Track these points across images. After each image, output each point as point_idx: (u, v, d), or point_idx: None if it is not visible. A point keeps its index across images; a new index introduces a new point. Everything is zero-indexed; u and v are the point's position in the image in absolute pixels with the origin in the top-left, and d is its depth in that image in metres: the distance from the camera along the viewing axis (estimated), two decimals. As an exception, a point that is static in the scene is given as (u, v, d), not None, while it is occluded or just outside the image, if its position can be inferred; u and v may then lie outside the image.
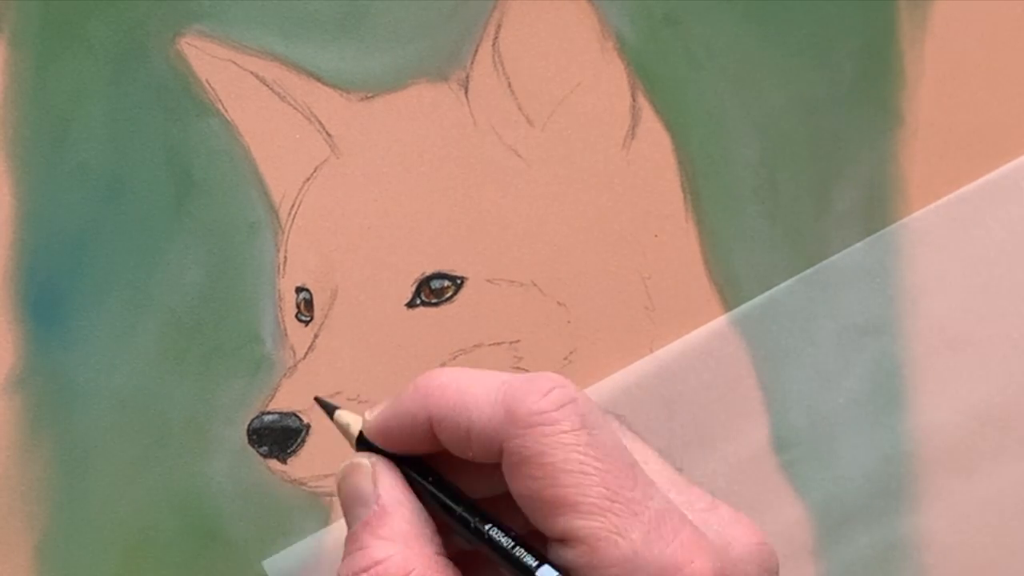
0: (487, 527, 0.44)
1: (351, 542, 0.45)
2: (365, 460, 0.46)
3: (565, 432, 0.42)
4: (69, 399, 0.54)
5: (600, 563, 0.41)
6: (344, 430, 0.48)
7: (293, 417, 0.55)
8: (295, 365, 0.55)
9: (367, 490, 0.46)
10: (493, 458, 0.44)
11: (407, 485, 0.46)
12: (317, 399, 0.49)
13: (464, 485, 0.45)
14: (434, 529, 0.45)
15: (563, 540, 0.42)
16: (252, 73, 0.55)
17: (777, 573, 0.45)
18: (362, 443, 0.47)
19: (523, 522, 0.44)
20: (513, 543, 0.43)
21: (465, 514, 0.45)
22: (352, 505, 0.46)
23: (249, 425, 0.55)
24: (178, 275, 0.54)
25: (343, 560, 0.45)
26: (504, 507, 0.45)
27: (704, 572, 0.41)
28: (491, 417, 0.43)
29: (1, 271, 0.53)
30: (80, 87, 0.54)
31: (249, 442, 0.55)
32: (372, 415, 0.47)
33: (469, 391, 0.44)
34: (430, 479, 0.46)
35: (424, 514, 0.45)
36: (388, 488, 0.46)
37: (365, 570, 0.44)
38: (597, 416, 0.43)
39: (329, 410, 0.49)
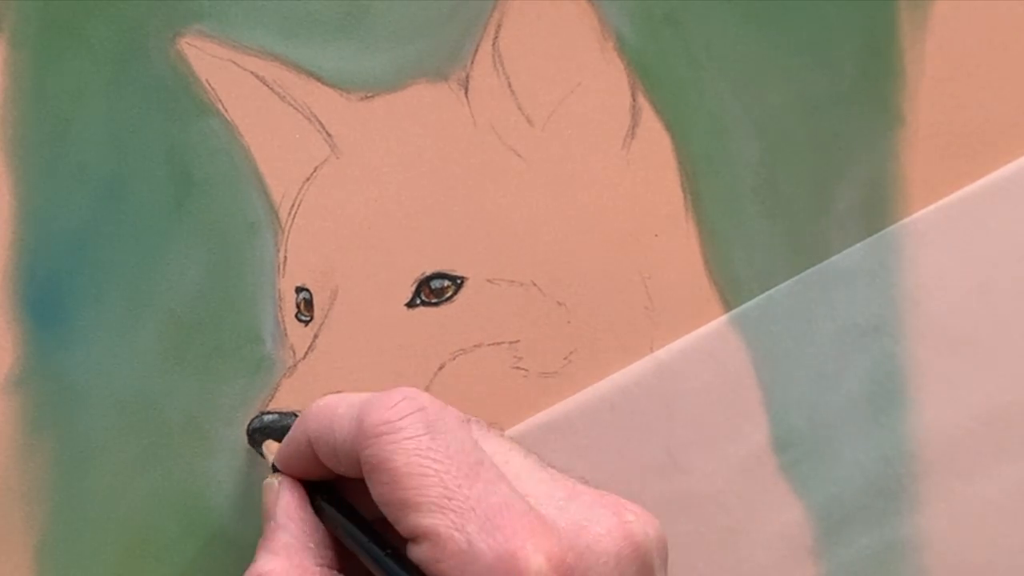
0: (367, 541, 0.48)
1: (258, 549, 0.50)
2: (274, 480, 0.51)
3: (408, 439, 0.46)
4: (69, 399, 0.54)
5: (441, 556, 0.44)
6: (266, 459, 0.53)
7: (293, 417, 0.55)
8: (295, 365, 0.55)
9: (271, 507, 0.51)
10: (355, 471, 0.48)
11: (305, 504, 0.51)
12: (248, 429, 0.55)
13: (365, 505, 0.49)
14: (324, 543, 0.50)
15: (413, 538, 0.45)
16: (252, 73, 0.55)
17: (647, 549, 0.47)
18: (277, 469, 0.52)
19: None
20: (386, 553, 0.47)
21: (355, 531, 0.49)
22: (263, 520, 0.51)
23: (249, 425, 0.55)
24: (178, 275, 0.54)
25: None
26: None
27: (539, 557, 0.44)
28: (348, 432, 0.47)
29: (1, 271, 0.53)
30: (80, 87, 0.54)
31: (249, 442, 0.55)
32: (271, 447, 0.53)
33: (336, 411, 0.48)
34: (327, 499, 0.51)
35: (315, 529, 0.50)
36: (284, 506, 0.50)
37: None
38: (445, 422, 0.46)
39: (257, 442, 0.54)
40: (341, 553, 0.50)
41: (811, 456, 0.56)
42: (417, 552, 0.45)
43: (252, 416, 0.55)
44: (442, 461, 0.45)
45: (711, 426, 0.56)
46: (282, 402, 0.54)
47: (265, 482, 0.52)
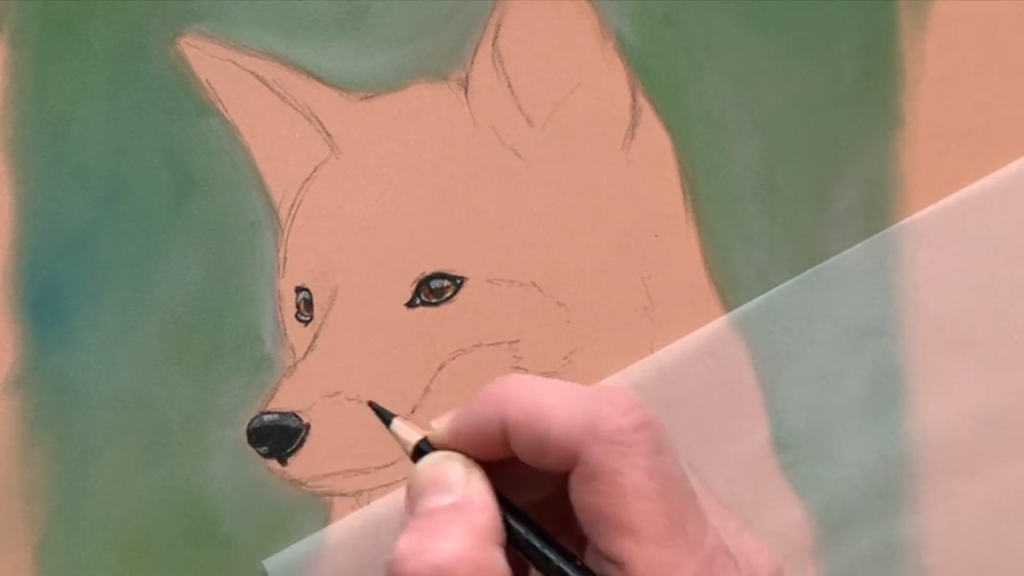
0: (561, 562, 0.44)
1: (426, 520, 0.44)
2: (457, 458, 0.46)
3: (642, 455, 0.42)
4: (69, 399, 0.54)
5: None
6: (401, 440, 0.48)
7: (293, 417, 0.55)
8: (295, 365, 0.55)
9: (455, 479, 0.45)
10: (565, 467, 0.44)
11: (490, 490, 0.45)
12: (372, 405, 0.48)
13: (509, 488, 0.45)
14: (504, 540, 0.45)
15: (618, 563, 0.42)
16: (252, 73, 0.55)
17: None
18: (419, 454, 0.47)
19: (563, 529, 0.45)
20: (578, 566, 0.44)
21: (542, 548, 0.44)
22: (429, 489, 0.45)
23: (249, 425, 0.55)
24: (178, 275, 0.54)
25: (407, 535, 0.44)
26: (546, 514, 0.45)
27: None
28: (570, 427, 0.43)
29: (1, 271, 0.54)
30: (80, 87, 0.54)
31: (249, 442, 0.55)
32: (440, 423, 0.47)
33: (546, 399, 0.44)
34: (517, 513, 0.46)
35: (501, 523, 0.45)
36: (480, 485, 0.45)
37: (439, 554, 0.43)
38: (668, 443, 0.43)
39: (386, 419, 0.48)
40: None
41: (811, 456, 0.56)
42: (613, 573, 0.42)
43: (252, 416, 0.55)
44: (671, 490, 0.42)
45: (711, 426, 0.56)
46: (282, 402, 0.54)
47: (442, 455, 0.46)
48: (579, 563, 0.44)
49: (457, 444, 0.46)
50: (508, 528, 0.45)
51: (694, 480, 0.45)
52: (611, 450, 0.42)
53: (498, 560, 0.43)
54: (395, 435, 0.48)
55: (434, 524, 0.44)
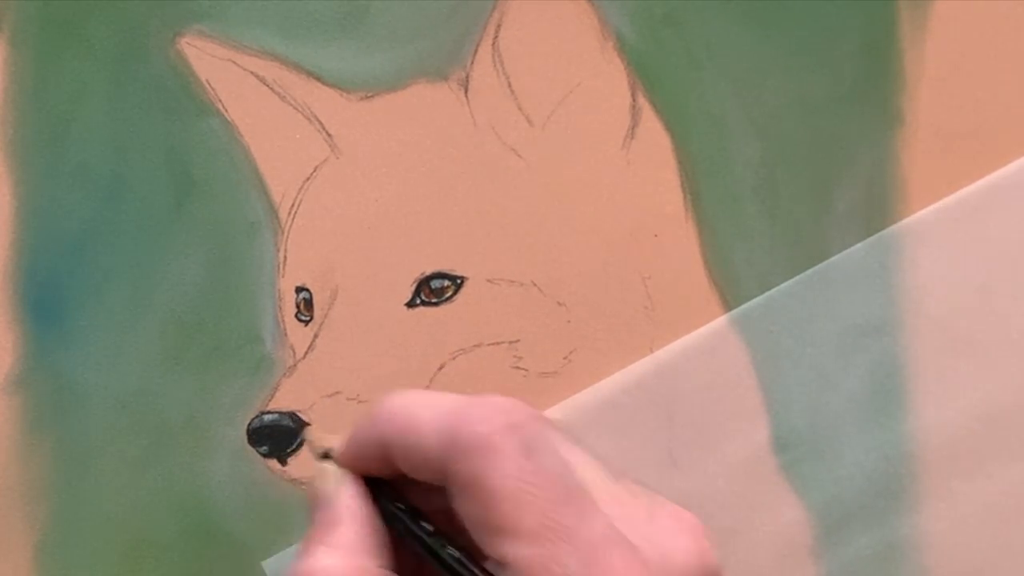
0: (442, 546, 0.45)
1: (304, 544, 0.46)
2: (332, 468, 0.47)
3: (506, 458, 0.42)
4: (69, 399, 0.54)
5: None
6: (312, 449, 0.49)
7: (293, 417, 0.55)
8: (295, 365, 0.55)
9: (328, 496, 0.47)
10: (441, 481, 0.44)
11: (366, 500, 0.47)
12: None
13: (422, 500, 0.46)
14: (384, 543, 0.46)
15: (503, 565, 0.42)
16: (252, 73, 0.55)
17: (717, 563, 0.45)
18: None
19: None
20: (464, 565, 0.44)
21: (422, 535, 0.45)
22: (314, 508, 0.47)
23: (249, 425, 0.55)
24: (178, 275, 0.54)
25: (293, 562, 0.46)
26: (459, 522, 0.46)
27: None
28: (436, 441, 0.44)
29: (1, 271, 0.54)
30: (80, 87, 0.54)
31: (249, 442, 0.55)
32: (339, 442, 0.48)
33: (417, 415, 0.45)
34: (396, 504, 0.47)
35: (376, 528, 0.46)
36: (346, 499, 0.46)
37: (306, 574, 0.45)
38: (543, 439, 0.43)
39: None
40: (397, 555, 0.47)
41: (811, 456, 0.56)
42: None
43: (252, 416, 0.55)
44: (540, 486, 0.42)
45: (711, 426, 0.56)
46: (282, 402, 0.54)
47: (319, 467, 0.48)
48: (474, 565, 0.44)
49: (350, 461, 0.47)
50: (406, 533, 0.46)
51: (591, 470, 0.45)
52: (473, 458, 0.43)
53: (363, 570, 0.45)
54: (308, 443, 0.49)
55: (306, 547, 0.45)
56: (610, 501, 0.44)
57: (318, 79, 0.55)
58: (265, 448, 0.55)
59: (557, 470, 0.43)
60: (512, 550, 0.42)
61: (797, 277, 0.57)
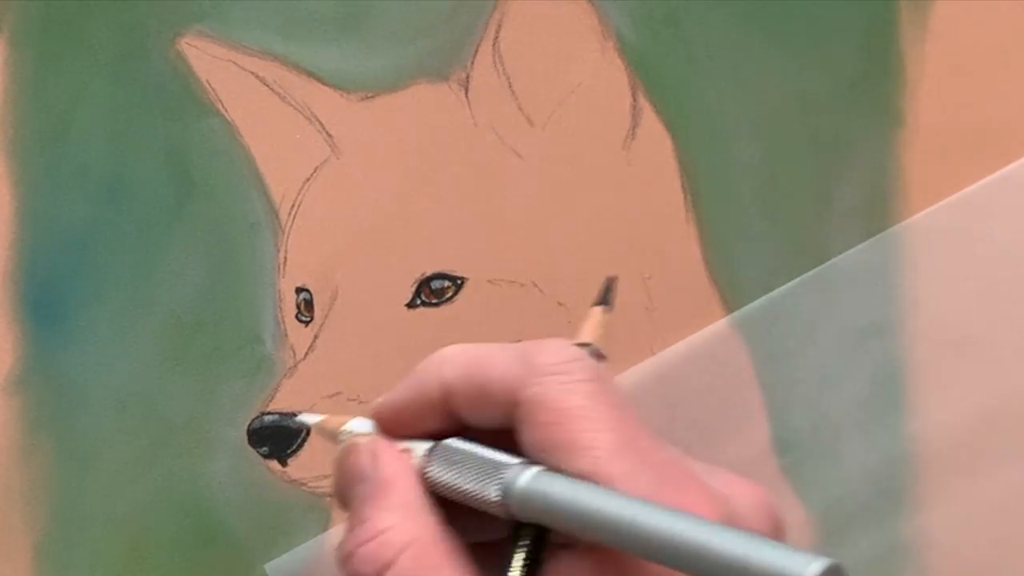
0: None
1: (353, 517, 0.45)
2: (362, 439, 0.47)
3: (580, 381, 0.43)
4: (69, 399, 0.54)
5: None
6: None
7: (293, 417, 0.55)
8: (295, 365, 0.55)
9: (366, 466, 0.46)
10: (508, 412, 0.44)
11: (406, 460, 0.46)
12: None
13: None
14: (435, 502, 0.45)
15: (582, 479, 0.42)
16: (252, 73, 0.55)
17: (782, 526, 0.45)
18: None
19: None
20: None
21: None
22: (351, 484, 0.46)
23: (249, 426, 0.55)
24: (178, 275, 0.54)
25: (345, 537, 0.45)
26: None
27: (714, 518, 0.41)
28: (508, 370, 0.44)
29: (1, 271, 0.54)
30: (80, 87, 0.54)
31: (249, 443, 0.55)
32: (376, 404, 0.48)
33: (483, 352, 0.45)
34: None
35: (424, 489, 0.45)
36: (388, 461, 0.46)
37: (369, 540, 0.44)
38: (608, 375, 0.45)
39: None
40: (454, 513, 0.46)
41: (813, 457, 0.56)
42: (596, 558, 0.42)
43: (252, 417, 0.55)
44: (615, 408, 0.43)
45: (712, 427, 0.56)
46: (282, 402, 0.54)
47: (350, 442, 0.47)
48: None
49: (394, 423, 0.47)
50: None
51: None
52: (549, 380, 0.43)
53: (426, 525, 0.44)
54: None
55: (359, 516, 0.45)
56: (668, 446, 0.45)
57: (318, 79, 0.55)
58: (265, 449, 0.55)
59: (625, 400, 0.44)
60: (592, 465, 0.42)
61: (798, 279, 0.57)
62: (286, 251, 0.55)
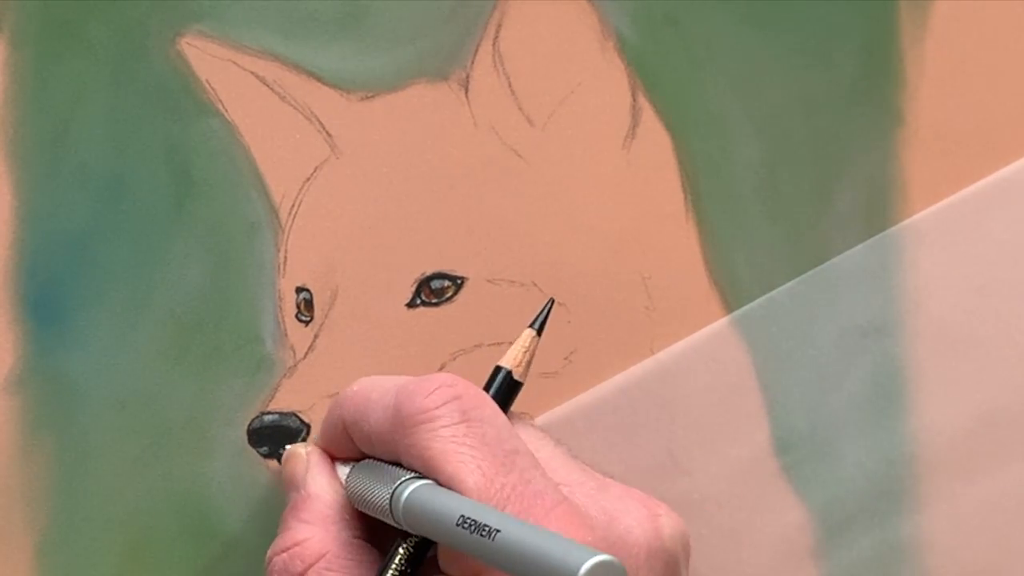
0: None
1: (280, 523, 0.50)
2: (301, 449, 0.51)
3: (444, 427, 0.46)
4: (69, 399, 0.54)
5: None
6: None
7: (293, 417, 0.55)
8: (295, 365, 0.55)
9: (299, 476, 0.50)
10: (393, 457, 0.48)
11: (335, 475, 0.50)
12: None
13: None
14: (355, 514, 0.49)
15: None
16: (252, 73, 0.55)
17: (674, 545, 0.48)
18: None
19: None
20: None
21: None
22: (287, 489, 0.51)
23: (249, 425, 0.55)
24: (178, 275, 0.54)
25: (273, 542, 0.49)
26: None
27: (580, 540, 0.44)
28: (383, 420, 0.47)
29: (1, 271, 0.53)
30: (80, 87, 0.54)
31: (249, 442, 0.55)
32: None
33: (370, 397, 0.48)
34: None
35: (348, 501, 0.49)
36: (315, 475, 0.50)
37: (285, 550, 0.48)
38: (481, 411, 0.47)
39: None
40: (373, 528, 0.50)
41: (812, 457, 0.56)
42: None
43: (252, 416, 0.55)
44: (479, 448, 0.45)
45: (712, 428, 0.56)
46: (282, 402, 0.54)
47: (289, 450, 0.52)
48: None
49: (327, 446, 0.51)
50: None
51: (539, 441, 0.49)
52: (416, 431, 0.46)
53: (337, 538, 0.48)
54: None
55: (284, 525, 0.49)
56: (559, 468, 0.48)
57: (318, 79, 0.55)
58: (265, 449, 0.55)
59: (498, 435, 0.46)
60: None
61: (798, 279, 0.57)
62: (286, 251, 0.55)
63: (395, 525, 0.47)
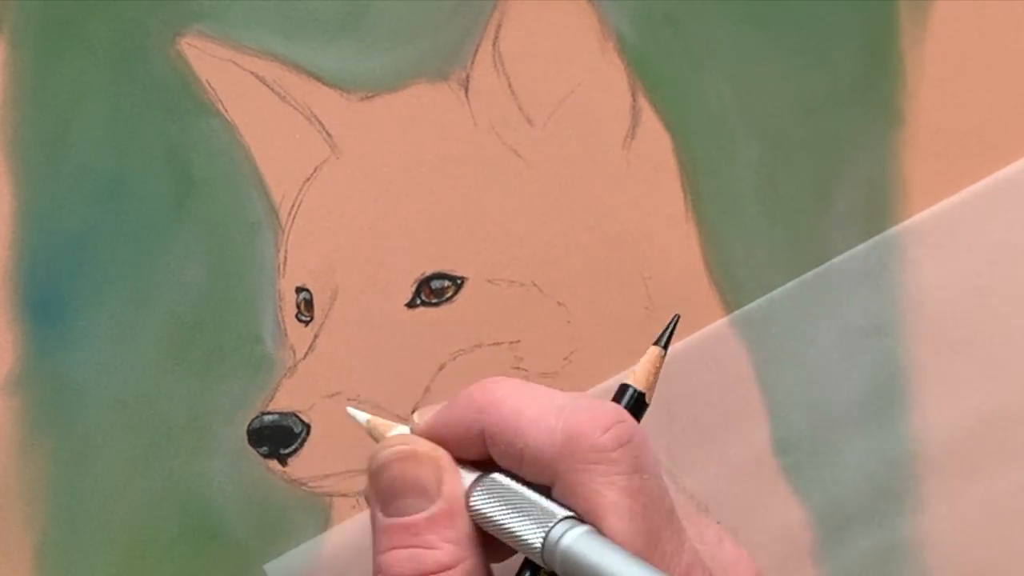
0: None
1: (407, 534, 0.44)
2: (427, 449, 0.46)
3: (620, 474, 0.43)
4: (69, 399, 0.54)
5: None
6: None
7: (293, 417, 0.55)
8: (295, 365, 0.55)
9: (429, 482, 0.45)
10: (545, 481, 0.44)
11: (461, 487, 0.45)
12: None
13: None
14: (491, 538, 0.45)
15: None
16: (252, 73, 0.55)
17: None
18: None
19: None
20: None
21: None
22: (404, 492, 0.45)
23: (249, 425, 0.55)
24: (178, 275, 0.54)
25: (389, 550, 0.44)
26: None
27: None
28: (548, 443, 0.43)
29: (1, 271, 0.54)
30: (80, 87, 0.54)
31: (249, 442, 0.55)
32: (422, 418, 0.47)
33: (525, 412, 0.44)
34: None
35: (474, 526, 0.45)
36: (454, 486, 0.45)
37: (433, 573, 0.44)
38: (648, 456, 0.44)
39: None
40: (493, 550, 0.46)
41: (812, 457, 0.56)
42: None
43: (252, 416, 0.55)
44: (649, 507, 0.43)
45: (712, 427, 0.56)
46: (282, 402, 0.54)
47: (414, 449, 0.46)
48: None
49: (437, 440, 0.46)
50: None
51: (674, 490, 0.45)
52: (589, 469, 0.43)
53: (483, 564, 0.44)
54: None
55: (421, 539, 0.44)
56: (685, 518, 0.45)
57: (318, 79, 0.55)
58: (265, 449, 0.55)
59: (660, 491, 0.43)
60: None
61: (798, 279, 0.57)
62: (286, 251, 0.55)
63: (540, 564, 0.43)
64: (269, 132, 0.55)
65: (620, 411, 0.44)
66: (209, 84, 0.54)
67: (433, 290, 0.55)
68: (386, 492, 0.45)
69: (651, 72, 0.56)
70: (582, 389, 0.56)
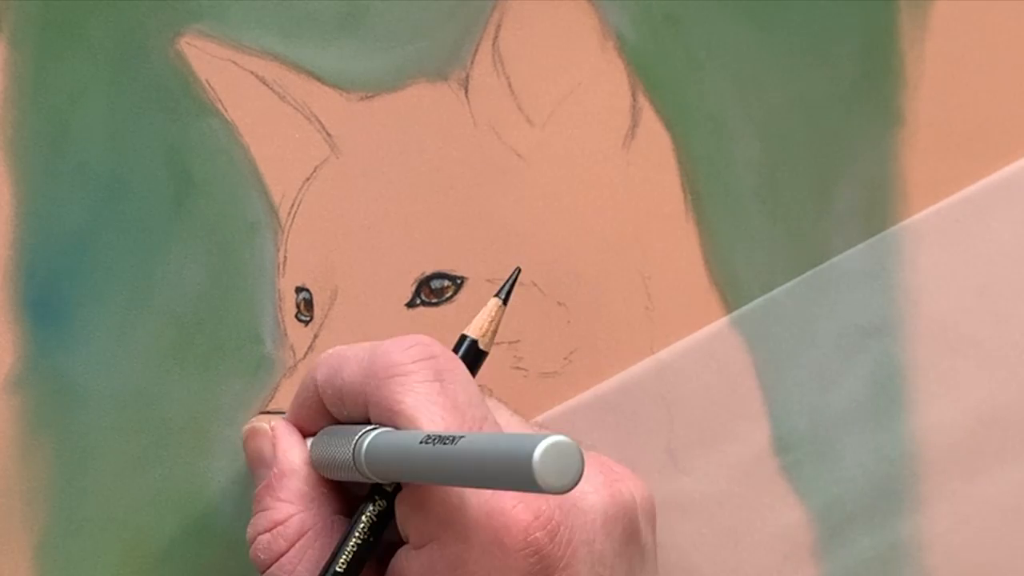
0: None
1: (255, 503, 0.49)
2: (264, 424, 0.51)
3: (418, 382, 0.45)
4: (69, 399, 0.54)
5: (429, 505, 0.44)
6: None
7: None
8: (295, 365, 0.55)
9: (267, 453, 0.50)
10: (361, 410, 0.47)
11: (304, 448, 0.50)
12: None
13: None
14: (332, 488, 0.49)
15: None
16: (252, 73, 0.55)
17: (633, 508, 0.48)
18: None
19: None
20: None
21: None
22: (255, 467, 0.50)
23: (249, 425, 0.55)
24: (178, 275, 0.54)
25: (251, 520, 0.49)
26: None
27: (525, 515, 0.44)
28: (357, 372, 0.47)
29: (1, 271, 0.53)
30: (80, 87, 0.54)
31: (249, 442, 0.55)
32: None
33: (345, 355, 0.48)
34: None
35: (321, 477, 0.49)
36: (286, 451, 0.49)
37: (267, 531, 0.48)
38: (456, 373, 0.46)
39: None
40: (351, 503, 0.49)
41: (812, 457, 0.56)
42: (408, 498, 0.45)
43: (252, 416, 0.55)
44: (449, 410, 0.45)
45: (712, 427, 0.56)
46: (282, 402, 0.54)
47: (254, 426, 0.52)
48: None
49: (296, 417, 0.51)
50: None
51: (500, 410, 0.49)
52: (389, 383, 0.45)
53: (318, 515, 0.48)
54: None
55: (261, 505, 0.49)
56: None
57: (318, 79, 0.55)
58: (265, 448, 0.55)
59: (469, 400, 0.46)
60: None
61: (798, 278, 0.57)
62: (286, 251, 0.55)
63: (360, 480, 0.46)
64: (269, 132, 0.55)
65: (424, 337, 0.47)
66: (209, 84, 0.54)
67: (433, 290, 0.55)
68: (250, 470, 0.51)
69: (651, 72, 0.56)
70: (582, 389, 0.56)
